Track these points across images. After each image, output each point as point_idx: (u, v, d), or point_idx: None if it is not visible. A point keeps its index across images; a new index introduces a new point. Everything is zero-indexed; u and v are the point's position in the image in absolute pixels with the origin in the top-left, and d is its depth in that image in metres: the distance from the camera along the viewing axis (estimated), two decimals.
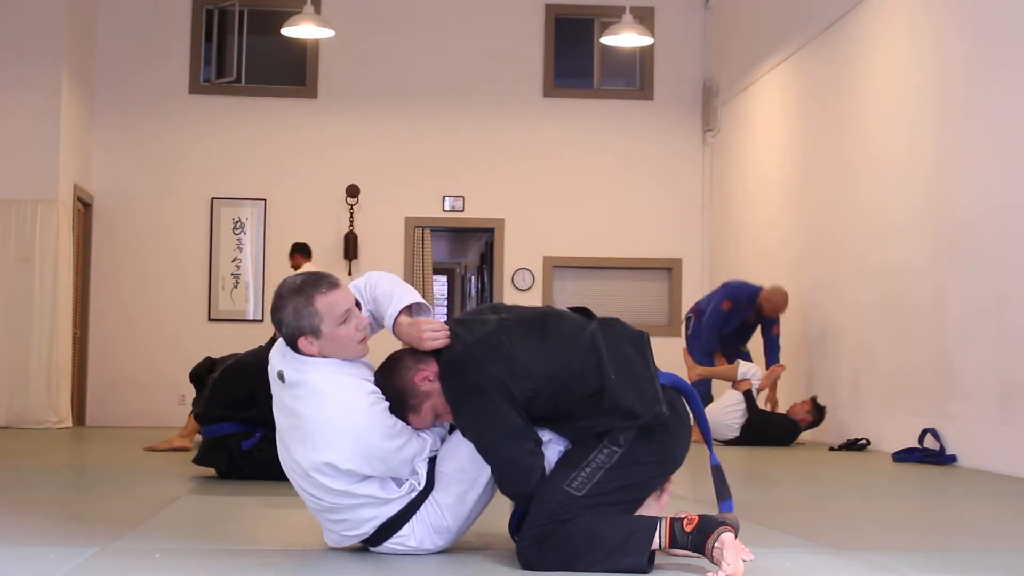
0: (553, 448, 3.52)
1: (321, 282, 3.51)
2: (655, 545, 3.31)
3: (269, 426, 6.15)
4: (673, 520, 3.32)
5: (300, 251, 11.37)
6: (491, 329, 3.48)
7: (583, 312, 3.64)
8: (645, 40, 11.18)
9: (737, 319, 9.98)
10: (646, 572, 3.30)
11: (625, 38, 11.12)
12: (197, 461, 6.31)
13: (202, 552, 3.74)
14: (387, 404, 3.51)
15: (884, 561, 3.67)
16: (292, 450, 3.54)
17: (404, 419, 3.54)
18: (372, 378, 3.59)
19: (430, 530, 3.57)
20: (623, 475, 3.41)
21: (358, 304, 3.58)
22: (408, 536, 3.58)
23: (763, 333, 9.96)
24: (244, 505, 5.18)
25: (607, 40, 11.23)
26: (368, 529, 3.58)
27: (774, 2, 11.16)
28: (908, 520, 5.05)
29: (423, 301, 3.64)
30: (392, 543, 3.60)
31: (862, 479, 6.78)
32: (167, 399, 12.13)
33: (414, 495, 3.56)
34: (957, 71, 7.68)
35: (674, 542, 3.30)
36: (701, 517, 3.30)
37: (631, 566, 3.30)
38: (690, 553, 3.35)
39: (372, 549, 3.66)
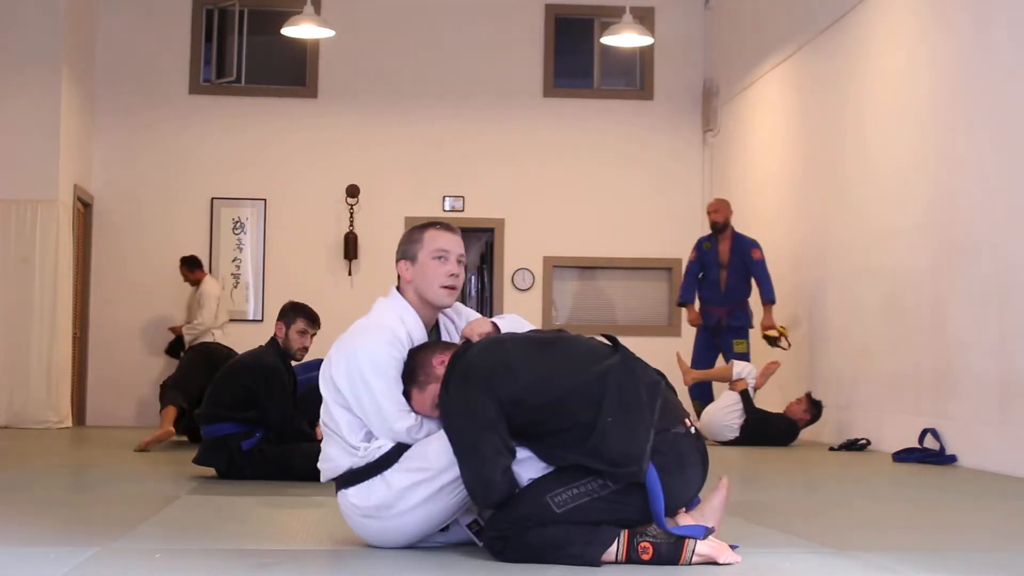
0: (531, 465, 3.51)
1: (439, 223, 3.92)
2: (611, 558, 3.40)
3: (269, 426, 6.23)
4: (632, 535, 3.40)
5: (199, 266, 11.52)
6: (505, 335, 3.70)
7: (612, 342, 3.63)
8: (645, 40, 11.18)
9: (713, 257, 10.25)
10: (596, 565, 3.39)
11: (625, 38, 11.12)
12: (197, 461, 6.33)
13: (202, 552, 3.75)
14: (402, 358, 3.69)
15: (884, 561, 3.67)
16: None
17: (408, 395, 3.67)
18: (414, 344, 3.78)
19: (373, 502, 3.62)
20: (607, 509, 3.42)
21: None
22: (353, 494, 3.67)
23: (750, 268, 10.07)
24: (244, 505, 5.18)
25: (607, 40, 11.23)
26: (328, 468, 3.75)
27: (774, 2, 11.16)
28: (908, 520, 5.05)
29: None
30: (342, 499, 3.72)
31: (862, 479, 6.78)
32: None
33: (369, 461, 3.63)
34: (957, 70, 7.68)
35: (630, 561, 3.41)
36: (655, 547, 3.39)
37: (585, 560, 3.38)
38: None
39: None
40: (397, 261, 3.88)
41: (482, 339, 3.67)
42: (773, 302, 10.03)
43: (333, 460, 3.72)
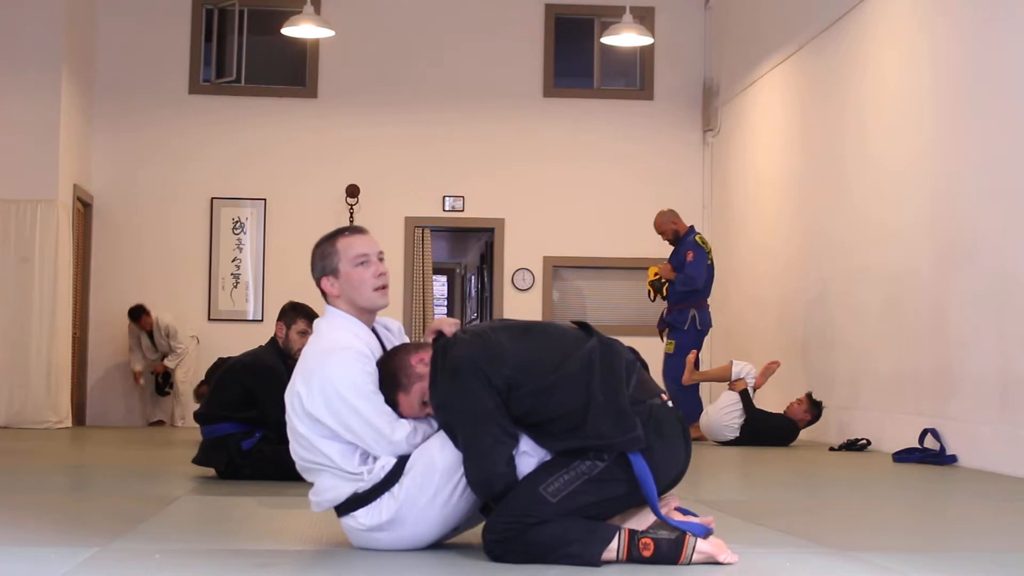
0: (527, 460, 3.52)
1: (347, 228, 3.82)
2: (612, 555, 3.40)
3: (269, 426, 6.22)
4: (632, 533, 3.41)
5: (145, 310, 11.87)
6: (483, 326, 3.68)
7: (584, 328, 3.68)
8: (645, 40, 11.18)
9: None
10: (596, 565, 3.38)
11: (625, 38, 11.13)
12: (197, 461, 6.32)
13: (202, 552, 3.74)
14: (373, 370, 3.62)
15: (884, 561, 3.67)
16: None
17: (394, 401, 3.62)
18: (376, 353, 3.71)
19: (385, 518, 3.59)
20: (599, 489, 3.44)
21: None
22: (362, 515, 3.62)
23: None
24: (244, 505, 5.18)
25: (607, 40, 11.23)
26: (326, 500, 3.67)
27: (774, 2, 11.16)
28: (908, 520, 5.05)
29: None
30: (348, 521, 3.66)
31: (862, 479, 6.77)
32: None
33: (376, 482, 3.59)
34: (957, 71, 7.68)
35: (631, 559, 3.41)
36: (656, 543, 3.40)
37: (585, 560, 3.38)
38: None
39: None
40: (318, 280, 3.75)
41: (461, 333, 3.61)
42: (671, 277, 10.00)
43: (332, 490, 3.64)
